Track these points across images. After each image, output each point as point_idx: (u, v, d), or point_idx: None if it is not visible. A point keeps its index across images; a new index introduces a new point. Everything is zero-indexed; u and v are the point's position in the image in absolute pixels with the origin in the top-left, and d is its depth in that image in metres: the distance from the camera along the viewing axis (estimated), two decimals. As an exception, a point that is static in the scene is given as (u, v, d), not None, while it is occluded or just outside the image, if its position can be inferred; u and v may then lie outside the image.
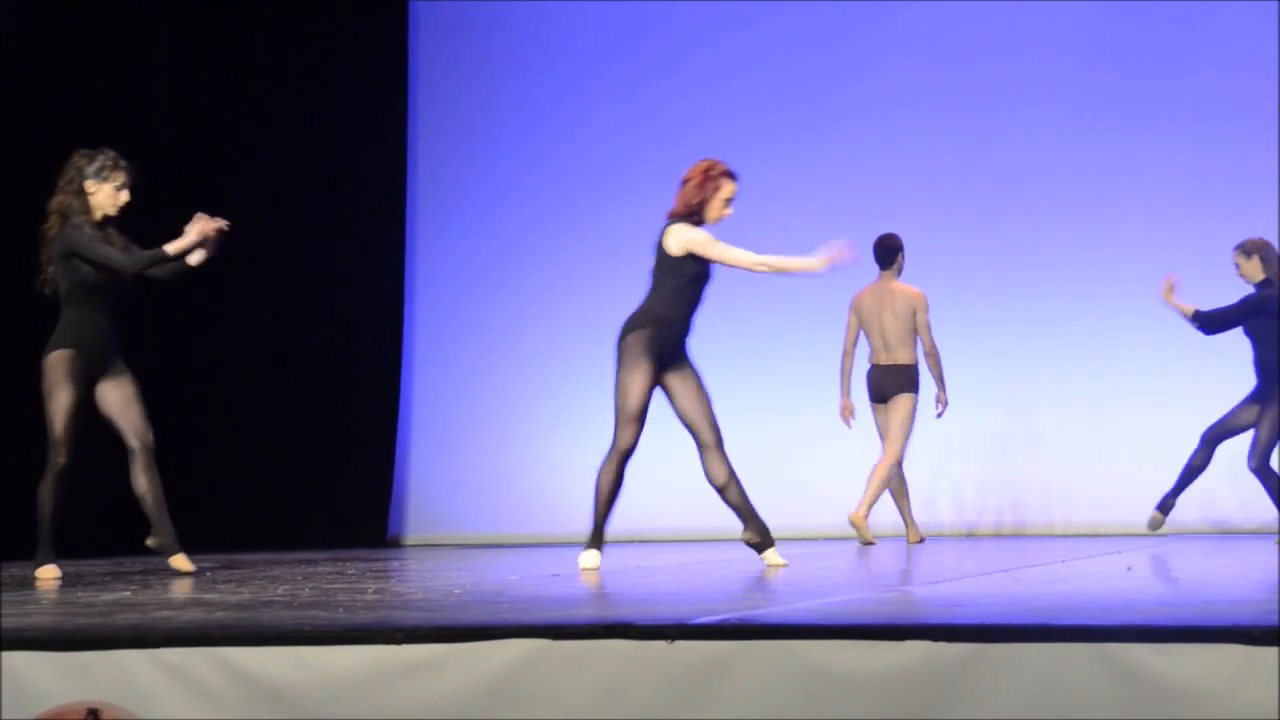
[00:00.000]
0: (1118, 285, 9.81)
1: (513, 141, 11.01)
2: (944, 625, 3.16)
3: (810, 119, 10.66)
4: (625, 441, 6.05)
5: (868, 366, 8.73)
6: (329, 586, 5.16)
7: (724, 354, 10.45)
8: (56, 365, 6.14)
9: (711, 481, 6.05)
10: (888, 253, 8.66)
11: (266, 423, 10.16)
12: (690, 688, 3.18)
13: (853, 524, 8.37)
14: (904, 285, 8.67)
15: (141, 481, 6.22)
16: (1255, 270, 7.93)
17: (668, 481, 10.36)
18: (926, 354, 8.60)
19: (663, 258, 6.08)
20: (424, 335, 10.84)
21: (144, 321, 9.52)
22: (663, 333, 6.02)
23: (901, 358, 8.60)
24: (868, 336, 8.66)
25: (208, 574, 6.15)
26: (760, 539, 6.13)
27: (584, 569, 6.01)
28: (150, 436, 6.25)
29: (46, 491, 6.07)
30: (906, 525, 8.82)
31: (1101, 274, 9.94)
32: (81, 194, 6.20)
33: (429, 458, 10.63)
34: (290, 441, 10.14)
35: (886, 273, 8.67)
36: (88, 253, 6.12)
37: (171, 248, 6.15)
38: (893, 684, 3.10)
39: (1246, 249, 7.98)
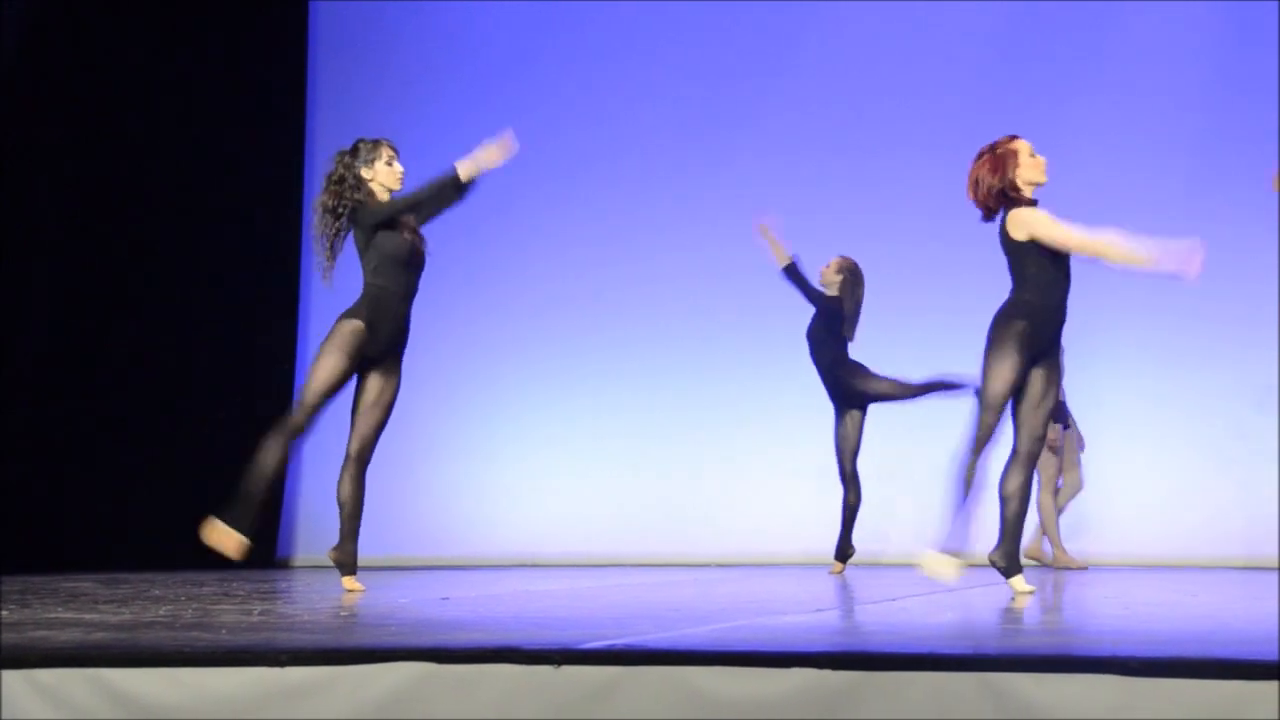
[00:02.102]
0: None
1: (414, 152, 10.95)
2: (829, 653, 3.19)
3: (727, 122, 10.70)
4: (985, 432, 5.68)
5: None
6: (213, 607, 5.10)
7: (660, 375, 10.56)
8: (340, 332, 6.10)
9: (1002, 490, 5.70)
10: None
11: (153, 440, 10.01)
12: (575, 713, 3.19)
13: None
14: None
15: (345, 489, 6.24)
16: None
17: (563, 506, 10.41)
18: None
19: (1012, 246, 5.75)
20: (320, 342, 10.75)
21: (33, 335, 9.42)
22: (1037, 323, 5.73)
23: None
24: None
25: (88, 595, 6.06)
26: (1005, 564, 5.79)
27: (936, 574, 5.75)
28: (369, 451, 6.26)
29: (273, 456, 6.16)
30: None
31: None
32: (361, 185, 6.22)
33: (320, 478, 10.52)
34: (178, 460, 10.01)
35: None
36: (407, 201, 6.19)
37: (464, 170, 6.18)
38: (778, 712, 3.13)
39: None
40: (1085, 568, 8.97)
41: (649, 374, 10.47)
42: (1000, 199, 5.74)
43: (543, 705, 3.20)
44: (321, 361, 6.09)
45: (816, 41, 10.65)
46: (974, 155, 5.84)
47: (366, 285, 6.21)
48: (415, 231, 6.27)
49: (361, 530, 6.41)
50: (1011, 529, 5.71)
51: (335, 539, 6.45)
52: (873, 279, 8.77)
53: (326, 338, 6.16)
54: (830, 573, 8.28)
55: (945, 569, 5.65)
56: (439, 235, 10.01)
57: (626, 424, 10.49)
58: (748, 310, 10.33)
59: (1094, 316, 9.65)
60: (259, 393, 10.40)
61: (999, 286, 5.84)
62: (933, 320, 9.85)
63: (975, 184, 5.77)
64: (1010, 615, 4.79)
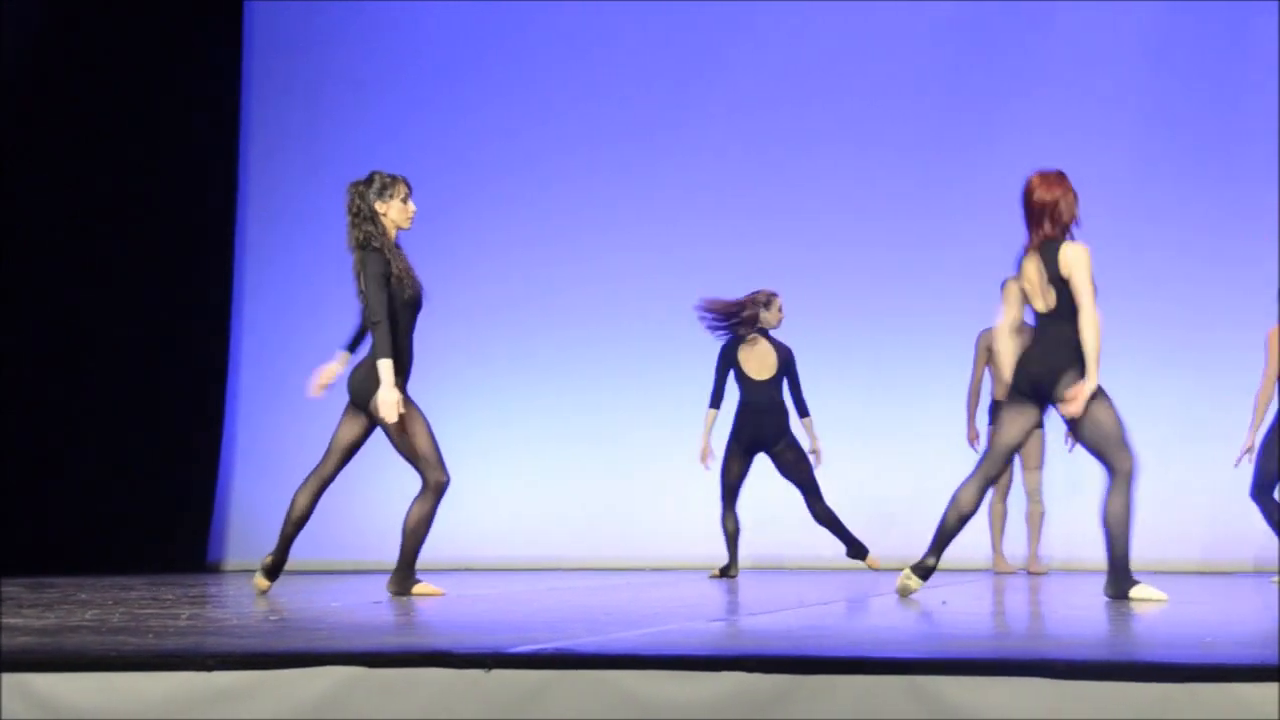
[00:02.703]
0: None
1: (347, 161, 10.92)
2: (759, 656, 3.21)
3: (670, 123, 10.68)
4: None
5: (990, 401, 8.93)
6: (141, 611, 5.07)
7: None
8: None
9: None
10: None
11: (84, 442, 9.93)
12: (506, 717, 3.20)
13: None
14: None
15: (302, 502, 6.37)
16: None
17: (498, 510, 10.39)
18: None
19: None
20: (250, 359, 10.69)
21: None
22: None
23: None
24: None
25: (13, 598, 6.01)
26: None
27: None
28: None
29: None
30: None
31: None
32: (374, 219, 6.26)
33: (252, 481, 10.47)
34: (108, 463, 9.93)
35: None
36: (366, 284, 6.28)
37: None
38: (708, 714, 3.14)
39: None
40: (1015, 572, 9.06)
41: (586, 378, 10.47)
42: (1065, 231, 5.79)
43: (473, 709, 3.20)
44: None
45: (753, 41, 10.65)
46: (1042, 176, 5.84)
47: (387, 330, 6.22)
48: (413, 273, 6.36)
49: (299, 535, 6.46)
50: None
51: (267, 544, 6.46)
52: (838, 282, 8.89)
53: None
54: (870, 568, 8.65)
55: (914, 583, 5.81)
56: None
57: (563, 429, 10.50)
58: (687, 314, 10.35)
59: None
60: (186, 401, 10.35)
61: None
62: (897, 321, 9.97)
63: (1058, 208, 5.78)
64: (941, 619, 4.83)
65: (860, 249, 10.35)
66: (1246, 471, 8.08)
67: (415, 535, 6.30)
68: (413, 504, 6.32)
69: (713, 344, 10.13)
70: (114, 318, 10.08)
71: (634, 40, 10.81)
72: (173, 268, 10.27)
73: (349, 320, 10.31)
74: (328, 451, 6.45)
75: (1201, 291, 9.94)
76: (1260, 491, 7.97)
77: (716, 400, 8.72)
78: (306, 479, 6.45)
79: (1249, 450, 8.05)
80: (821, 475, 8.75)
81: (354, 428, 6.39)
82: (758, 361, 8.62)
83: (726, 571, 8.60)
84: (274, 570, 6.49)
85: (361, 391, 6.27)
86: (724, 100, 10.64)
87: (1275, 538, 8.02)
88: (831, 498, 8.76)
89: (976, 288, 9.57)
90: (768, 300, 8.59)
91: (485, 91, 10.86)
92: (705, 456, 8.77)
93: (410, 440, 6.27)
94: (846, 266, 10.31)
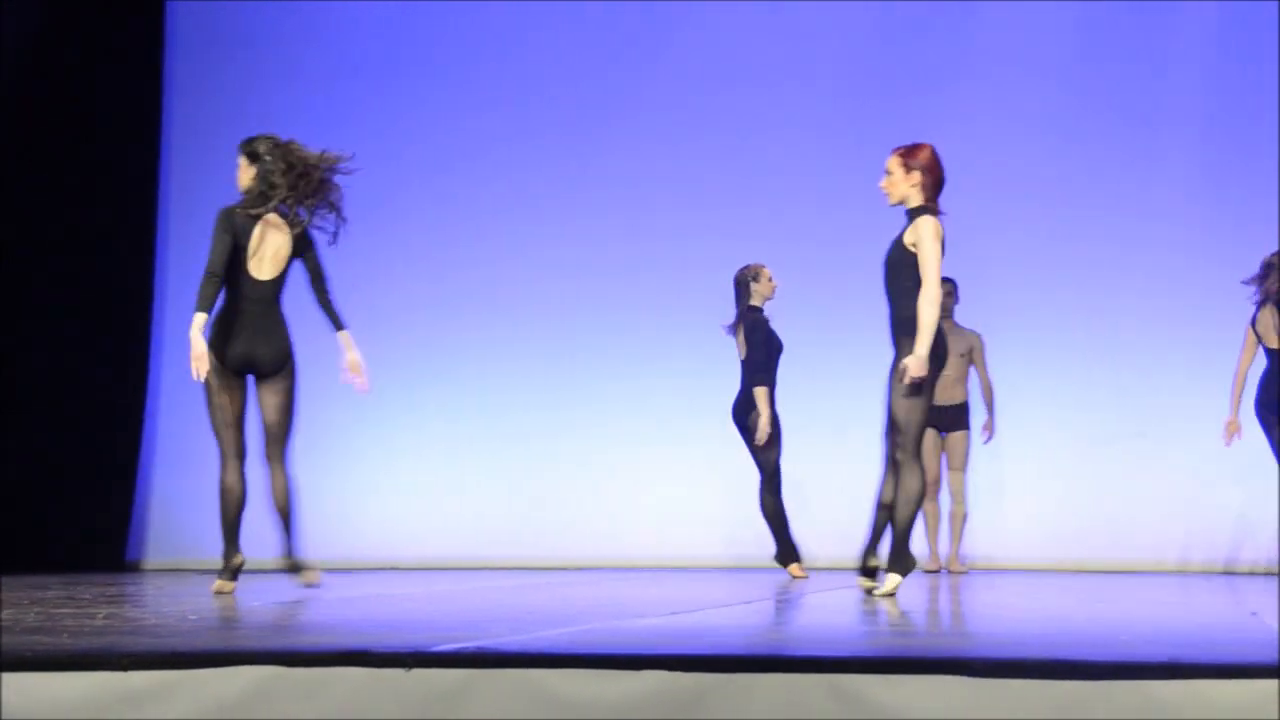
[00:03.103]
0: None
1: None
2: (680, 655, 3.22)
3: (598, 119, 10.56)
4: None
5: None
6: (56, 611, 5.02)
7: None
8: None
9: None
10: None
11: (-1, 441, 9.81)
12: (426, 716, 3.19)
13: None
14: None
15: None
16: None
17: (423, 509, 10.35)
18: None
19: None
20: (171, 356, 10.57)
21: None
22: None
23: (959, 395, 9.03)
24: None
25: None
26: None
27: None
28: None
29: None
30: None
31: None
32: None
33: (173, 479, 10.35)
34: (25, 462, 9.80)
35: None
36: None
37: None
38: (629, 713, 3.16)
39: None
40: (938, 570, 9.12)
41: (513, 376, 10.45)
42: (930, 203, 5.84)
43: (392, 709, 3.20)
44: None
45: (688, 36, 10.56)
46: (909, 148, 5.87)
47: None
48: None
49: (217, 532, 6.38)
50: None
51: (186, 542, 6.39)
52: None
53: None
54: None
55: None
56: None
57: (489, 427, 10.47)
58: (615, 313, 10.35)
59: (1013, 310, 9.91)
60: (105, 399, 10.23)
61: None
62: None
63: (927, 183, 5.84)
64: (864, 617, 4.87)
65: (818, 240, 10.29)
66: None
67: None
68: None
69: (641, 342, 10.17)
70: (30, 315, 9.96)
71: (563, 30, 10.75)
72: (91, 266, 10.16)
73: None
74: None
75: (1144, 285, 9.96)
76: (1263, 408, 8.05)
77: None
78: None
79: (1234, 428, 8.09)
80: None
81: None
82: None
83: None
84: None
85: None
86: (661, 88, 10.56)
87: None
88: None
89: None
90: (756, 274, 8.50)
91: (416, 85, 10.73)
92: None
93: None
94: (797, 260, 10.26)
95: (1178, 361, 9.75)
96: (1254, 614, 4.95)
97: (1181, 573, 9.09)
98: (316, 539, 10.31)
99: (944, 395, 8.52)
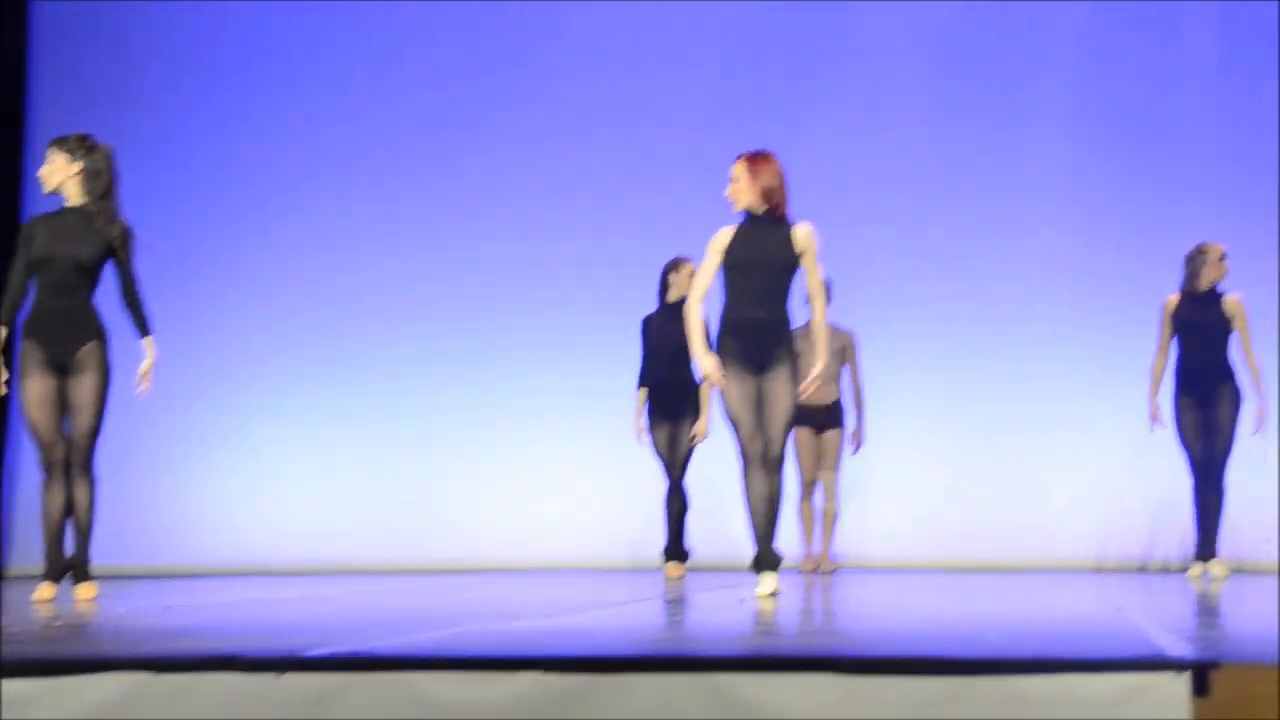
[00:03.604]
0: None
1: (144, 152, 10.62)
2: (554, 657, 3.23)
3: (474, 116, 10.57)
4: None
5: None
6: (-80, 619, 4.93)
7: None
8: None
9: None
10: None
11: None
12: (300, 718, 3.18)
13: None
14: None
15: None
16: None
17: (299, 511, 10.28)
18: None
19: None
20: None
21: None
22: None
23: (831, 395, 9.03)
24: None
25: None
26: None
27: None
28: None
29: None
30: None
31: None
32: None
33: (34, 487, 10.19)
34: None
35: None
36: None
37: None
38: (503, 714, 3.17)
39: None
40: (815, 570, 9.20)
41: (386, 380, 10.41)
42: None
43: (263, 713, 3.18)
44: None
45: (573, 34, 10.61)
46: (755, 157, 5.92)
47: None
48: None
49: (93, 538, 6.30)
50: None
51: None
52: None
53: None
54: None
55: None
56: (185, 238, 9.76)
57: (368, 430, 10.42)
58: (495, 313, 10.35)
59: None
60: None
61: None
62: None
63: (778, 189, 5.90)
64: (738, 617, 4.91)
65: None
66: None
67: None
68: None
69: (523, 345, 10.13)
70: None
71: (425, 35, 10.71)
72: None
73: (166, 270, 9.84)
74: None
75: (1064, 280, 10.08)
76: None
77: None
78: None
79: (1156, 418, 8.09)
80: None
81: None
82: None
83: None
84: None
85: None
86: (524, 87, 10.57)
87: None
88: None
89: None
90: (676, 266, 8.51)
91: (271, 84, 10.68)
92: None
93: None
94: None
95: (1045, 362, 9.92)
96: (1119, 610, 5.06)
97: (1052, 570, 9.24)
98: (188, 544, 10.27)
99: (817, 394, 8.56)
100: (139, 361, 6.33)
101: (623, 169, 10.42)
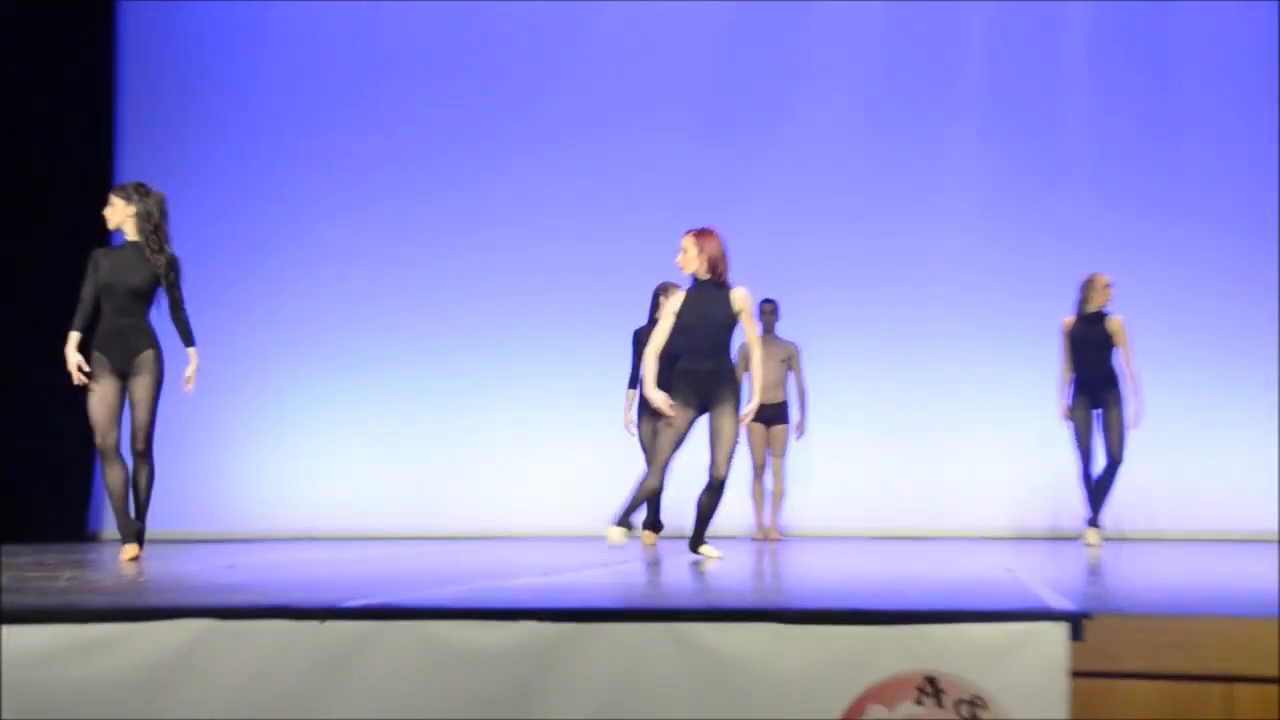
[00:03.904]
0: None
1: (222, 158, 10.47)
2: (548, 609, 3.26)
3: (505, 118, 10.31)
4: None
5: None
6: (27, 575, 4.93)
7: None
8: None
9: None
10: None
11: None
12: (338, 659, 3.20)
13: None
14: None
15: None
16: None
17: (334, 486, 10.25)
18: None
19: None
20: None
21: None
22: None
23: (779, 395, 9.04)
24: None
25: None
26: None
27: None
28: None
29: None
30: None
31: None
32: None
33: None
34: (3, 447, 9.57)
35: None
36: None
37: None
38: (505, 656, 3.19)
39: None
40: (765, 539, 9.22)
41: (412, 377, 10.38)
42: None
43: (308, 654, 3.20)
44: None
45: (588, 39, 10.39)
46: (701, 232, 6.03)
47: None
48: None
49: (168, 507, 6.35)
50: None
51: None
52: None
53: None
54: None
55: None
56: (222, 235, 9.60)
57: (392, 419, 10.39)
58: (498, 313, 10.28)
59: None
60: (70, 391, 9.98)
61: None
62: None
63: (720, 259, 6.00)
64: (699, 576, 4.93)
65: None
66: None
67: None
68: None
69: (539, 313, 9.94)
70: (12, 317, 9.67)
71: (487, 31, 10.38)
72: (50, 256, 9.82)
73: (216, 307, 9.77)
74: None
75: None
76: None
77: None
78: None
79: (1066, 415, 8.06)
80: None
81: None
82: None
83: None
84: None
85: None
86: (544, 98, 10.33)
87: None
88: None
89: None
90: (666, 290, 8.49)
91: (355, 92, 10.43)
92: None
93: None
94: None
95: (962, 367, 9.92)
96: (1010, 570, 5.09)
97: (961, 538, 9.26)
98: (244, 515, 10.24)
99: (768, 395, 8.65)
100: (187, 366, 6.40)
101: (625, 169, 10.22)
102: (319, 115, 10.50)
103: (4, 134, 9.80)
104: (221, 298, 9.81)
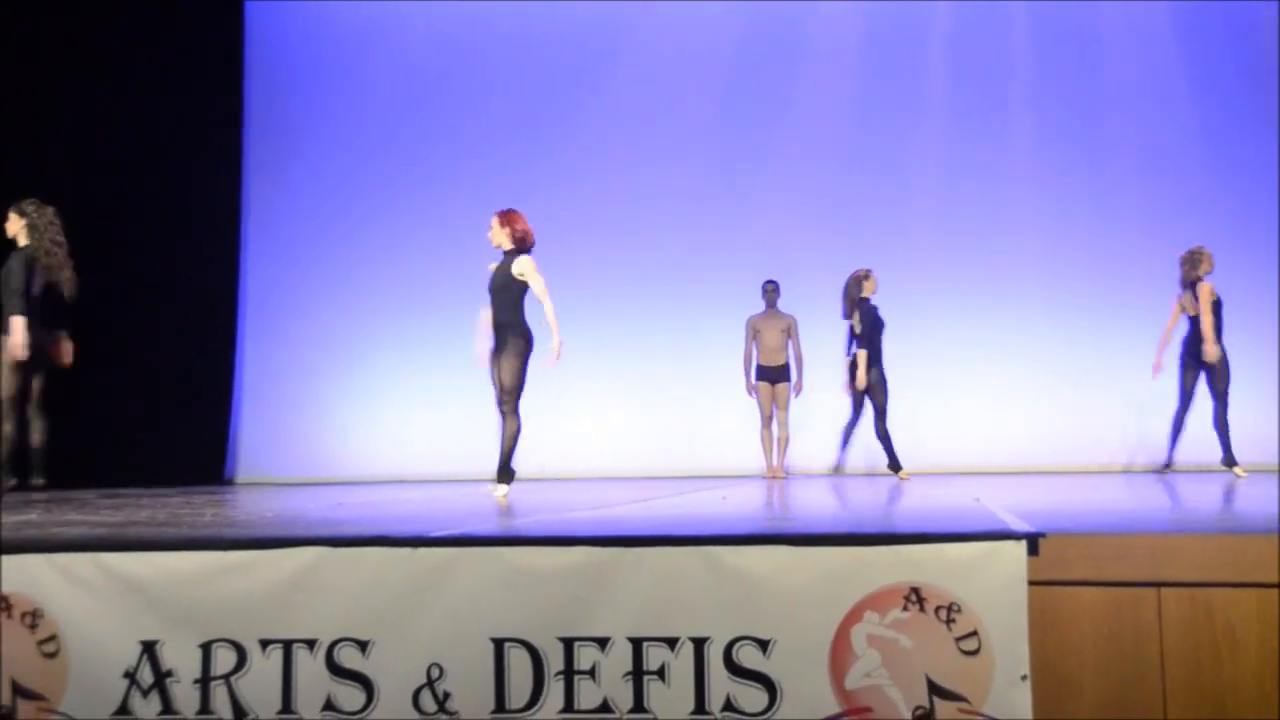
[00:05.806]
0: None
1: (332, 137, 10.08)
2: (596, 536, 3.27)
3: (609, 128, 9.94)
4: None
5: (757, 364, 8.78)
6: (178, 512, 4.98)
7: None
8: None
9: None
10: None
11: (132, 386, 9.57)
12: (428, 579, 3.24)
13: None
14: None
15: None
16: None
17: (425, 435, 10.22)
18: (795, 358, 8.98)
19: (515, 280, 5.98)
20: (254, 312, 10.19)
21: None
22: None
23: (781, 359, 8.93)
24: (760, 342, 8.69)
25: (91, 504, 5.86)
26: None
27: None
28: None
29: None
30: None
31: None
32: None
33: (257, 414, 10.14)
34: (151, 401, 9.62)
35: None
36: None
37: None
38: (564, 575, 3.21)
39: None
40: (774, 477, 9.19)
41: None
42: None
43: (404, 575, 3.24)
44: None
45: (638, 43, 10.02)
46: (505, 213, 5.99)
47: None
48: None
49: (290, 455, 6.31)
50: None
51: (270, 464, 6.31)
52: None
53: None
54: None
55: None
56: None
57: (471, 381, 10.32)
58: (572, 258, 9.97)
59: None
60: (210, 360, 10.04)
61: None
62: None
63: (527, 233, 5.99)
64: (721, 508, 4.93)
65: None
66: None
67: None
68: None
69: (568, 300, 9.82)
70: (144, 282, 9.52)
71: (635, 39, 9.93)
72: (187, 235, 9.74)
73: (335, 280, 9.44)
74: None
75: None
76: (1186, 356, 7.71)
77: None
78: None
79: (1159, 367, 7.82)
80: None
81: None
82: None
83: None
84: None
85: None
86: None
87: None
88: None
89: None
90: (866, 274, 8.33)
91: (470, 80, 10.01)
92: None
93: None
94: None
95: (956, 327, 9.69)
96: (977, 499, 5.06)
97: (940, 474, 9.18)
98: (350, 462, 10.21)
99: (771, 359, 8.67)
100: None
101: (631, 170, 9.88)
102: (443, 116, 10.01)
103: (144, 136, 9.54)
104: (341, 272, 9.64)
